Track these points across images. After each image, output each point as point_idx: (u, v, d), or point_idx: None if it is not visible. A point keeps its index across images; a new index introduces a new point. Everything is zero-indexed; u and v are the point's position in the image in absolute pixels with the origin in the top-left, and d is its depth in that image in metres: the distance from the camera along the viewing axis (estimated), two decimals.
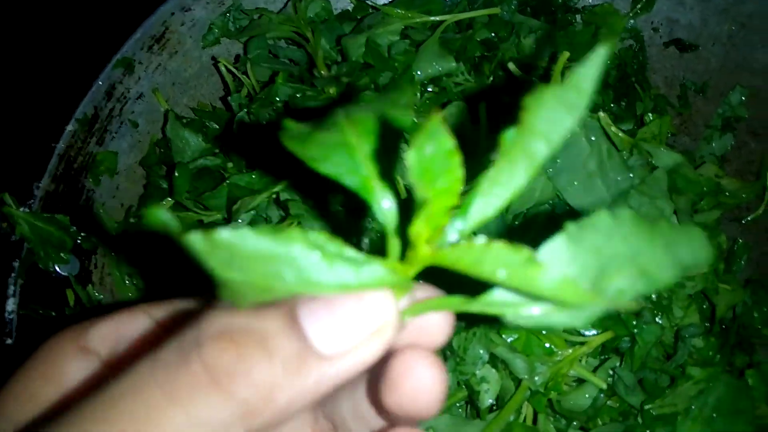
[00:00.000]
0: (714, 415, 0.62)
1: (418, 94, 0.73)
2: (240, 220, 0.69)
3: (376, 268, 0.23)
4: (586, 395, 0.62)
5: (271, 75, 0.75)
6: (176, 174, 0.70)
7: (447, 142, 0.21)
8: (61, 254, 0.68)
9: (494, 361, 0.60)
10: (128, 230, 0.72)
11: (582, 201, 0.67)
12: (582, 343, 0.61)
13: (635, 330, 0.62)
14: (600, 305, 0.22)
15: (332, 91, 0.68)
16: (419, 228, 0.22)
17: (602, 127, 0.69)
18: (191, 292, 0.33)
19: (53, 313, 0.65)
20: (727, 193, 0.75)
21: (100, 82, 0.75)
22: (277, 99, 0.71)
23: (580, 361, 0.62)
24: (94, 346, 0.30)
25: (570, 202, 0.67)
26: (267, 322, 0.23)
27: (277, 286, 0.22)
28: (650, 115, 0.78)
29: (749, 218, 0.77)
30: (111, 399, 0.22)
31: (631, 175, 0.67)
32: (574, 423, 0.62)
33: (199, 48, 0.81)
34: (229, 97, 0.75)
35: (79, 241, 0.71)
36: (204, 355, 0.22)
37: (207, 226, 0.72)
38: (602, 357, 0.64)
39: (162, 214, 0.21)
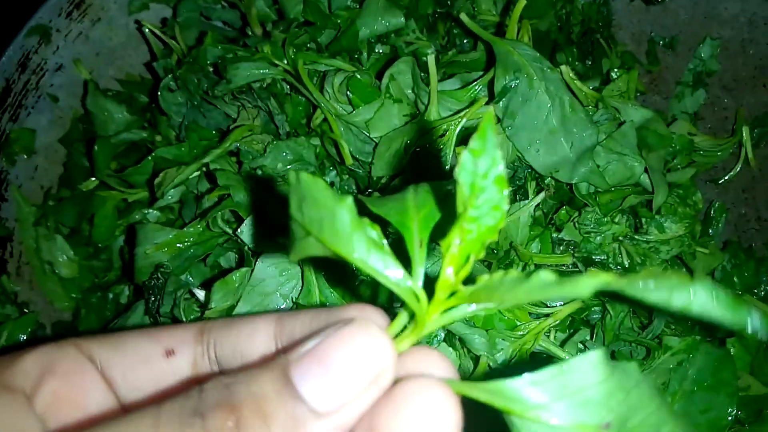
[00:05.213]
0: (695, 388, 0.57)
1: (365, 54, 0.67)
2: (169, 197, 0.62)
3: (403, 277, 0.24)
4: None
5: (200, 38, 0.68)
6: (96, 149, 0.63)
7: (498, 162, 0.23)
8: None
9: (451, 338, 0.54)
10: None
11: (545, 161, 0.61)
12: (548, 315, 0.55)
13: (606, 299, 0.56)
14: None
15: (266, 49, 0.62)
16: (452, 252, 0.23)
17: (564, 81, 0.63)
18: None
19: None
20: (701, 152, 0.69)
21: (11, 52, 0.67)
22: (207, 62, 0.64)
23: (547, 335, 0.56)
24: (19, 383, 0.28)
25: (532, 163, 0.61)
26: (263, 386, 0.24)
27: (322, 234, 0.25)
28: (617, 71, 0.72)
29: (726, 178, 0.72)
30: None
31: (597, 130, 0.61)
32: None
33: (126, 14, 0.73)
34: (154, 63, 0.68)
35: None
36: (206, 427, 0.22)
37: (132, 205, 0.65)
38: (570, 330, 0.58)
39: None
